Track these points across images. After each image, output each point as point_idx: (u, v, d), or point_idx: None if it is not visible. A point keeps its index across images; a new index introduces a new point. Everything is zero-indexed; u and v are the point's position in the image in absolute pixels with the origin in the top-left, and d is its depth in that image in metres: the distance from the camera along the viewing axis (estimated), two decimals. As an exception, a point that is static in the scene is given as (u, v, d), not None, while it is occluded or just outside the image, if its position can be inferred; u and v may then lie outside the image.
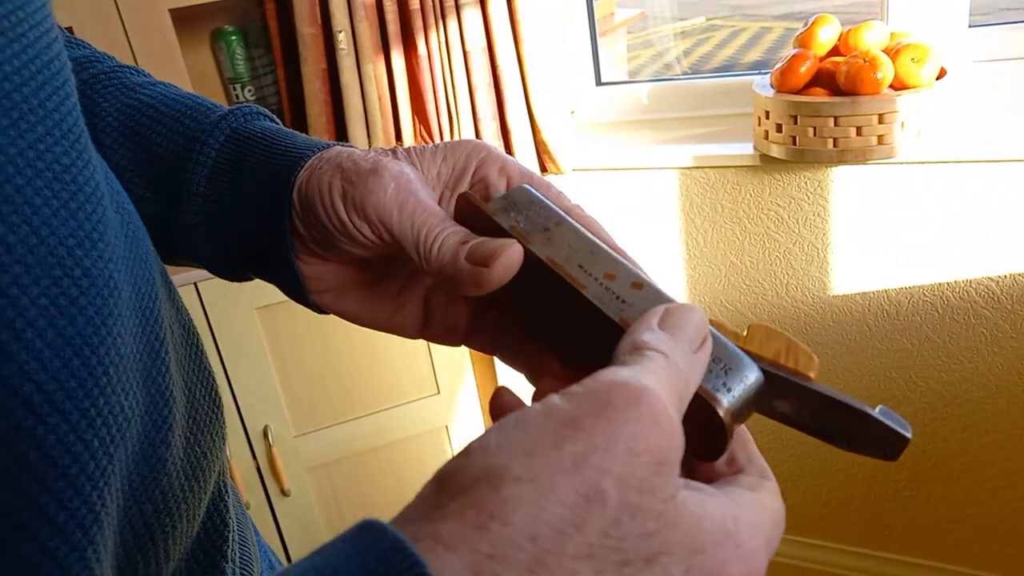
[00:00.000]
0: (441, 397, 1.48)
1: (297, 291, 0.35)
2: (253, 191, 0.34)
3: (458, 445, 1.54)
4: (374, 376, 1.43)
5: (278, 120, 0.39)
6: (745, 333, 0.29)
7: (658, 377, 0.23)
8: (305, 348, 1.37)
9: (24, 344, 0.20)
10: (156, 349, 0.26)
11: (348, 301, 0.36)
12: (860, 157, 1.12)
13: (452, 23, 1.27)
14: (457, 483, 0.21)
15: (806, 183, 1.24)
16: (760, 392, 0.27)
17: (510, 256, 0.29)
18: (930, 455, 1.35)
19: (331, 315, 0.37)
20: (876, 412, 0.27)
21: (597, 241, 0.30)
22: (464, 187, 0.33)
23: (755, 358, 0.28)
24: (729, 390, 0.26)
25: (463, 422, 1.52)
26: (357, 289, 0.36)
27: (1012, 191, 1.12)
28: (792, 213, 1.27)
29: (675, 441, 0.22)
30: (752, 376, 0.26)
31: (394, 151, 0.34)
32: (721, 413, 0.25)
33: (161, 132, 0.36)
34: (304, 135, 0.36)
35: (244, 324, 1.31)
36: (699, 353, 0.25)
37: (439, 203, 0.33)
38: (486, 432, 0.22)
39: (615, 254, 0.30)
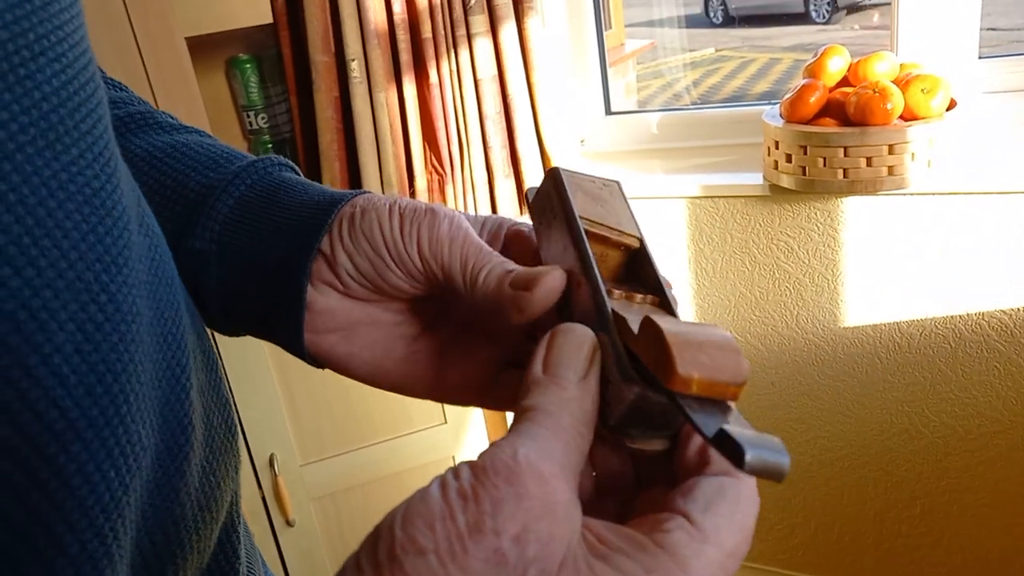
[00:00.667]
0: (448, 427, 1.47)
1: (294, 332, 0.34)
2: (284, 220, 0.34)
3: (464, 474, 1.53)
4: (381, 405, 1.42)
5: (299, 173, 0.39)
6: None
7: (539, 446, 0.23)
8: (312, 376, 1.36)
9: (51, 369, 0.20)
10: (178, 376, 0.26)
11: (357, 341, 0.34)
12: (870, 188, 1.11)
13: (464, 52, 1.28)
14: (372, 559, 0.21)
15: (816, 213, 1.24)
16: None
17: (553, 279, 0.30)
18: (943, 491, 1.33)
19: (329, 361, 0.35)
20: (749, 456, 0.23)
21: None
22: (499, 245, 0.35)
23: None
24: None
25: (470, 452, 1.51)
26: (371, 329, 0.34)
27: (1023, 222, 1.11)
28: (802, 243, 1.27)
29: (555, 516, 0.22)
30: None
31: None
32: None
33: (190, 165, 0.36)
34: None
35: (252, 351, 1.31)
36: (586, 379, 0.25)
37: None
38: (397, 506, 0.22)
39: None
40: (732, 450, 0.23)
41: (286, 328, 0.34)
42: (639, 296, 0.29)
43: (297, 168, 0.38)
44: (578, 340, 0.26)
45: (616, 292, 0.29)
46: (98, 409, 0.21)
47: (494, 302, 0.30)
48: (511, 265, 0.31)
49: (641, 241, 0.32)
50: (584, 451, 0.24)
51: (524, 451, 0.22)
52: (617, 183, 0.35)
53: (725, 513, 0.24)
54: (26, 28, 0.20)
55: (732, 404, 0.25)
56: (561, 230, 0.31)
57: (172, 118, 0.40)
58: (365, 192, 0.34)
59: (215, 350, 0.32)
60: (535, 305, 0.29)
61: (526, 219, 0.35)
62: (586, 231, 0.30)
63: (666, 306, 0.29)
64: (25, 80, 0.20)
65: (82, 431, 0.20)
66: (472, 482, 0.21)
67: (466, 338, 0.35)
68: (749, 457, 0.22)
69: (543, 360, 0.26)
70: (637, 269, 0.31)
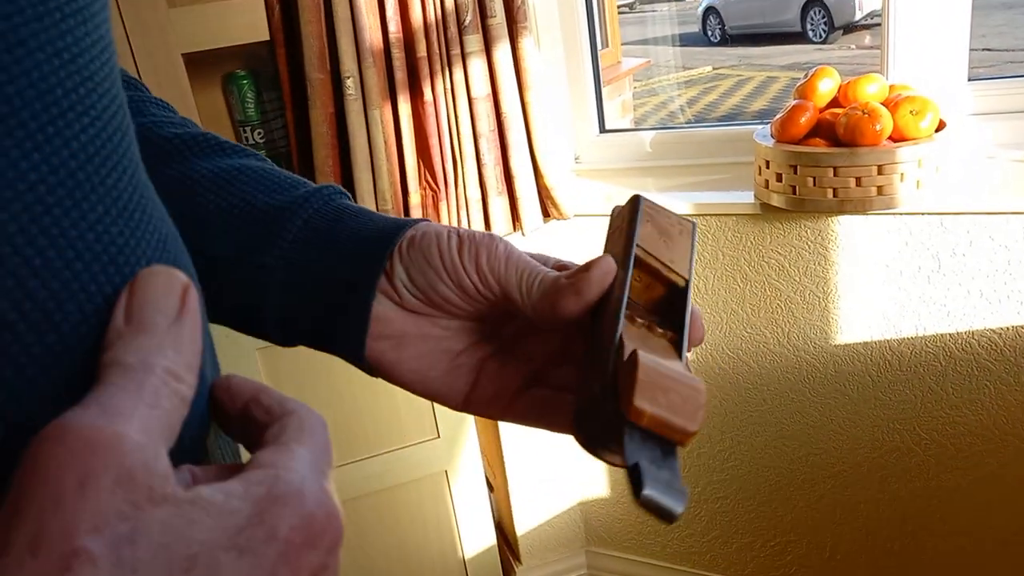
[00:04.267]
0: (441, 441, 1.47)
1: (357, 342, 0.36)
2: (350, 241, 0.36)
3: (457, 490, 1.53)
4: (374, 419, 1.42)
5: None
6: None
7: (104, 407, 0.19)
8: (306, 390, 1.36)
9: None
10: (200, 434, 0.26)
11: (405, 351, 0.36)
12: (860, 207, 1.12)
13: (458, 71, 1.30)
14: None
15: (807, 232, 1.24)
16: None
17: (607, 261, 0.33)
18: (935, 508, 1.33)
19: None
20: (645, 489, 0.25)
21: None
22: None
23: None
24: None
25: (463, 467, 1.51)
26: (419, 341, 0.37)
27: (1012, 243, 1.12)
28: (793, 261, 1.28)
29: (121, 481, 0.19)
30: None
31: None
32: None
33: (257, 187, 0.38)
34: None
35: (246, 365, 1.31)
36: (181, 320, 0.22)
37: None
38: None
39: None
40: (635, 482, 0.25)
41: (348, 338, 0.36)
42: (659, 330, 0.32)
43: (351, 196, 0.41)
44: (166, 281, 0.23)
45: (639, 320, 0.32)
46: None
47: (550, 301, 0.33)
48: (570, 265, 0.35)
49: (687, 282, 0.34)
50: (187, 396, 0.22)
51: (73, 417, 0.19)
52: (692, 224, 0.37)
53: (295, 427, 0.25)
54: (54, 84, 0.20)
55: (678, 449, 0.27)
56: (618, 251, 0.34)
57: (232, 142, 0.42)
58: (426, 220, 0.37)
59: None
60: (592, 285, 0.32)
61: (569, 258, 0.38)
62: (638, 258, 0.33)
63: (678, 345, 0.31)
64: (54, 138, 0.20)
65: None
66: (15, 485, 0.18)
67: (501, 357, 0.37)
68: (645, 492, 0.24)
69: (124, 308, 0.22)
70: (674, 306, 0.34)
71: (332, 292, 0.36)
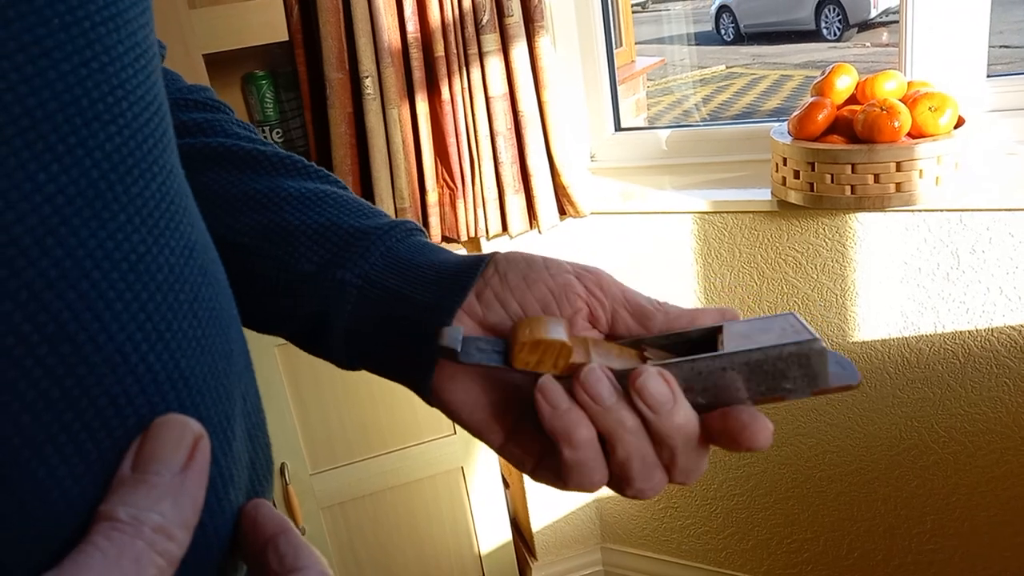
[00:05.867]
0: (457, 438, 1.48)
1: (425, 370, 0.36)
2: (432, 270, 0.37)
3: (473, 487, 1.53)
4: (391, 415, 1.43)
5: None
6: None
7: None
8: (324, 386, 1.38)
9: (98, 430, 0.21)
10: (224, 428, 0.26)
11: (459, 381, 0.36)
12: (878, 204, 1.12)
13: (475, 70, 1.30)
14: None
15: (824, 229, 1.24)
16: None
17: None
18: (954, 507, 1.32)
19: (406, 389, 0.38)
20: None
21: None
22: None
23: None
24: None
25: (479, 464, 1.52)
26: (475, 377, 0.36)
27: (1033, 240, 1.11)
28: (810, 259, 1.27)
29: None
30: None
31: None
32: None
33: (343, 210, 0.40)
34: None
35: (264, 361, 1.33)
36: (187, 472, 0.22)
37: None
38: None
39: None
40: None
41: (418, 363, 0.36)
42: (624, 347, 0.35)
43: (426, 232, 0.43)
44: (179, 431, 0.23)
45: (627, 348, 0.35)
46: None
47: (690, 315, 0.35)
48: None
49: (644, 360, 0.34)
50: (175, 556, 0.21)
51: None
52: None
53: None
54: (79, 94, 0.20)
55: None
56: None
57: (317, 167, 0.44)
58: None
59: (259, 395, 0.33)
60: (733, 313, 0.35)
61: (579, 259, 0.40)
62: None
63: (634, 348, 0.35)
64: (76, 148, 0.20)
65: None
66: None
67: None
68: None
69: (133, 456, 0.22)
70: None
71: (408, 316, 0.36)
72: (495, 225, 1.39)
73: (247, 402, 0.29)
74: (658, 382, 0.31)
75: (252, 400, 0.30)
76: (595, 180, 1.52)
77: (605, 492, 1.67)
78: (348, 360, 0.39)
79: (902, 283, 1.22)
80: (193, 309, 0.25)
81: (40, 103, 0.19)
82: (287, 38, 1.34)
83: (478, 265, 0.36)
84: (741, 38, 7.26)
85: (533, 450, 0.36)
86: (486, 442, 0.37)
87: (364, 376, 1.40)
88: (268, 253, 0.38)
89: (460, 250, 1.44)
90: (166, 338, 0.23)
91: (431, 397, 0.37)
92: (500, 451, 0.37)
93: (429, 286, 0.36)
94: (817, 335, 0.32)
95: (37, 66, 0.19)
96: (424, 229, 0.41)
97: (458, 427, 1.46)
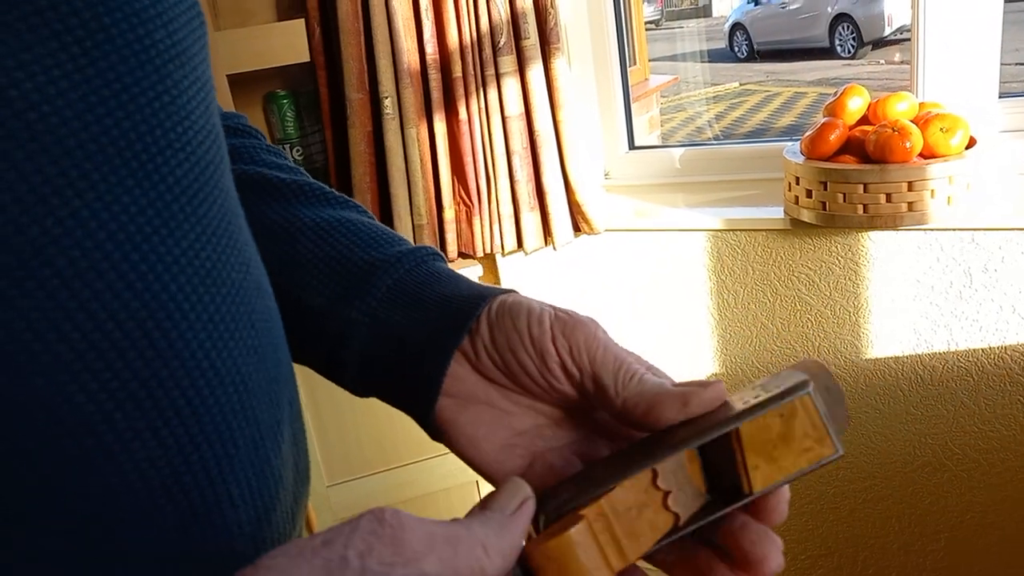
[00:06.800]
0: (472, 451, 1.49)
1: (426, 404, 0.36)
2: (435, 306, 0.36)
3: (488, 501, 1.55)
4: (407, 428, 1.44)
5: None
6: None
7: (433, 525, 0.24)
8: (340, 398, 1.40)
9: (167, 433, 0.23)
10: (274, 430, 0.28)
11: (465, 413, 0.36)
12: (890, 223, 1.13)
13: (492, 91, 1.33)
14: None
15: (837, 247, 1.26)
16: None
17: (720, 388, 0.31)
18: (968, 525, 1.32)
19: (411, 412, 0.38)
20: None
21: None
22: None
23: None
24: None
25: (493, 477, 1.53)
26: (484, 408, 0.36)
27: (1045, 259, 1.12)
28: (823, 276, 1.29)
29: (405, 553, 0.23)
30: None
31: None
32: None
33: (355, 241, 0.40)
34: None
35: (284, 374, 1.35)
36: (514, 516, 0.27)
37: None
38: None
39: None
40: None
41: (419, 396, 0.36)
42: (698, 480, 0.30)
43: (445, 257, 0.42)
44: (514, 490, 0.28)
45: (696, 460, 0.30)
46: (201, 469, 0.24)
47: (648, 402, 0.31)
48: (660, 373, 0.33)
49: (749, 495, 0.30)
50: (486, 569, 0.24)
51: (411, 517, 0.24)
52: (837, 453, 0.30)
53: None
54: (154, 125, 0.23)
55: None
56: (736, 406, 0.30)
57: (338, 194, 0.44)
58: (513, 291, 0.37)
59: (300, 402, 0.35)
60: (703, 402, 0.30)
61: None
62: (735, 434, 0.30)
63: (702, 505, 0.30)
64: (153, 174, 0.23)
65: (184, 489, 0.24)
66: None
67: (559, 455, 0.36)
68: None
69: (483, 499, 0.28)
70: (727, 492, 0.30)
71: (411, 351, 0.36)
72: (510, 242, 1.41)
73: (292, 407, 0.31)
74: None
75: (296, 406, 0.33)
76: (609, 198, 1.54)
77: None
78: (363, 392, 0.39)
79: (915, 301, 1.23)
80: (251, 319, 0.27)
81: (123, 133, 0.22)
82: (308, 59, 1.37)
83: (480, 300, 0.36)
84: (755, 55, 7.28)
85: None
86: (491, 478, 0.36)
87: (381, 390, 1.42)
88: (282, 285, 0.38)
89: (475, 268, 1.46)
90: (229, 345, 0.25)
91: (437, 433, 0.37)
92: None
93: (431, 321, 0.36)
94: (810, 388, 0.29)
95: (119, 100, 0.22)
96: (440, 252, 0.41)
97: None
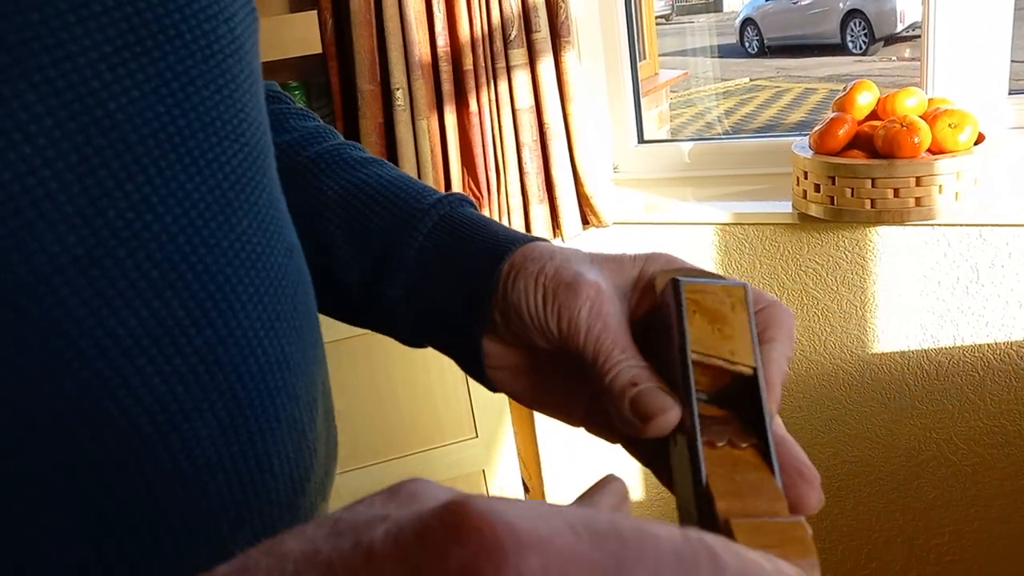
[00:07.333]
0: (479, 441, 1.51)
1: (475, 366, 0.37)
2: (456, 279, 0.36)
3: (493, 490, 1.56)
4: (413, 417, 1.47)
5: (477, 207, 0.41)
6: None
7: (515, 504, 0.20)
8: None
9: (210, 417, 0.24)
10: (310, 404, 0.30)
11: (520, 381, 0.37)
12: (898, 218, 1.14)
13: (503, 83, 1.34)
14: None
15: (844, 242, 1.26)
16: None
17: (666, 420, 0.29)
18: (973, 519, 1.33)
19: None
20: None
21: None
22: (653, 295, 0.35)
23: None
24: None
25: (500, 467, 1.54)
26: (529, 374, 0.37)
27: (1052, 255, 1.12)
28: (830, 271, 1.29)
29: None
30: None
31: (591, 258, 0.34)
32: None
33: (376, 211, 0.39)
34: (504, 226, 0.39)
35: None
36: (617, 511, 0.25)
37: (631, 304, 0.34)
38: None
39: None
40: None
41: (470, 368, 0.37)
42: (742, 445, 0.29)
43: (472, 201, 0.40)
44: (616, 488, 0.25)
45: (718, 444, 0.29)
46: (239, 445, 0.25)
47: (613, 406, 0.30)
48: (638, 373, 0.31)
49: (755, 371, 0.30)
50: (565, 552, 0.20)
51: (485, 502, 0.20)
52: (744, 289, 0.32)
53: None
54: (215, 116, 0.24)
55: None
56: (673, 356, 0.30)
57: (355, 148, 0.43)
58: (527, 242, 0.35)
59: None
60: (647, 434, 0.29)
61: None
62: (696, 363, 0.30)
63: (765, 454, 0.29)
64: (212, 163, 0.24)
65: (223, 468, 0.25)
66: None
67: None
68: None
69: (583, 492, 0.25)
70: (745, 397, 0.30)
71: (448, 329, 0.37)
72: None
73: (324, 386, 0.33)
74: None
75: (327, 385, 0.34)
76: (618, 191, 1.55)
77: (624, 499, 1.68)
78: (417, 342, 0.40)
79: (922, 296, 1.24)
80: (294, 303, 0.29)
81: (187, 124, 0.23)
82: (321, 51, 1.39)
83: (491, 273, 0.35)
84: (765, 51, 7.26)
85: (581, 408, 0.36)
86: (569, 421, 0.37)
87: (387, 378, 1.44)
88: (317, 263, 0.39)
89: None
90: (276, 327, 0.27)
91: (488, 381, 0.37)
92: (586, 424, 0.36)
93: (457, 291, 0.36)
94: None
95: (185, 92, 0.23)
96: (468, 198, 0.40)
97: (479, 430, 1.49)
